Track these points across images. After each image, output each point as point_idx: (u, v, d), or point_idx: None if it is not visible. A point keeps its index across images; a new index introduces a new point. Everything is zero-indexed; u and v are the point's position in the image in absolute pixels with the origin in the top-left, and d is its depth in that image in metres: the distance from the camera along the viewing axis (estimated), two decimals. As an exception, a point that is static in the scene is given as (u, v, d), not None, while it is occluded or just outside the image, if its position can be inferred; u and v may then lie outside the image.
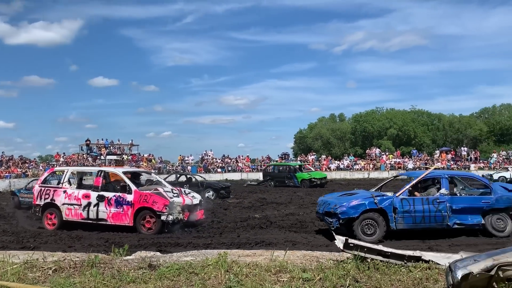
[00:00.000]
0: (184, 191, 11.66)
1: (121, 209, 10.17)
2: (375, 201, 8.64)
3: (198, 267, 4.00)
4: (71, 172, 11.91)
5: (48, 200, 11.00)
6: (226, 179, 33.13)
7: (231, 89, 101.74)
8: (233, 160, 41.39)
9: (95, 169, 11.86)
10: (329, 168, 38.13)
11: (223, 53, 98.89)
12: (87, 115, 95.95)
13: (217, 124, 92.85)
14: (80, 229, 10.20)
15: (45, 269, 3.90)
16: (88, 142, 40.73)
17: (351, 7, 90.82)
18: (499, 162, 37.20)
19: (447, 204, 8.74)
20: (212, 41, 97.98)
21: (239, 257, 4.47)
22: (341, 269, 4.28)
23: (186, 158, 41.11)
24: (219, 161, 40.90)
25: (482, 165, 38.15)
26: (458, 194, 9.38)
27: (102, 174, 11.01)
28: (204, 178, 22.75)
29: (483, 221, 8.81)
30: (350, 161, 40.18)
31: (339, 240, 4.69)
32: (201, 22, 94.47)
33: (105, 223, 10.37)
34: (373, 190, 10.23)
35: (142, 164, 37.88)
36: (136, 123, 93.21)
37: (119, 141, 42.97)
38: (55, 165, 32.09)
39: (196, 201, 10.97)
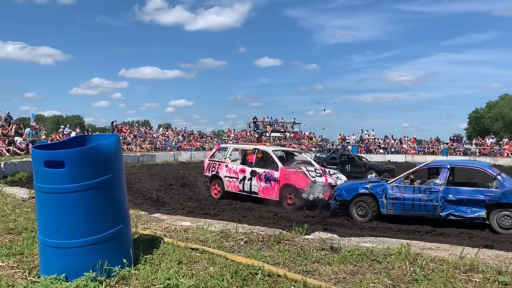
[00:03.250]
0: (329, 171, 11.86)
1: (269, 184, 11.01)
2: (368, 186, 9.21)
3: (380, 255, 3.90)
4: (233, 149, 13.39)
5: (214, 173, 12.53)
6: (389, 160, 31.73)
7: (396, 64, 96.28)
8: (396, 141, 39.34)
9: (250, 146, 12.95)
10: (512, 154, 33.18)
11: (388, 27, 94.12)
12: (253, 94, 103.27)
13: (379, 102, 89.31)
14: (249, 201, 11.18)
15: (237, 240, 4.31)
16: (255, 119, 43.65)
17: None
18: None
19: (440, 194, 8.38)
20: (377, 15, 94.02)
21: (422, 249, 4.22)
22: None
23: (347, 138, 40.72)
24: (380, 141, 39.40)
25: None
26: (456, 185, 8.84)
27: (257, 151, 12.00)
28: (366, 158, 22.24)
29: (484, 215, 8.06)
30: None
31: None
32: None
33: (256, 196, 11.32)
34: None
35: (304, 142, 38.96)
36: (297, 101, 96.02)
37: (282, 119, 45.14)
38: (227, 141, 35.67)
39: (340, 182, 10.98)
